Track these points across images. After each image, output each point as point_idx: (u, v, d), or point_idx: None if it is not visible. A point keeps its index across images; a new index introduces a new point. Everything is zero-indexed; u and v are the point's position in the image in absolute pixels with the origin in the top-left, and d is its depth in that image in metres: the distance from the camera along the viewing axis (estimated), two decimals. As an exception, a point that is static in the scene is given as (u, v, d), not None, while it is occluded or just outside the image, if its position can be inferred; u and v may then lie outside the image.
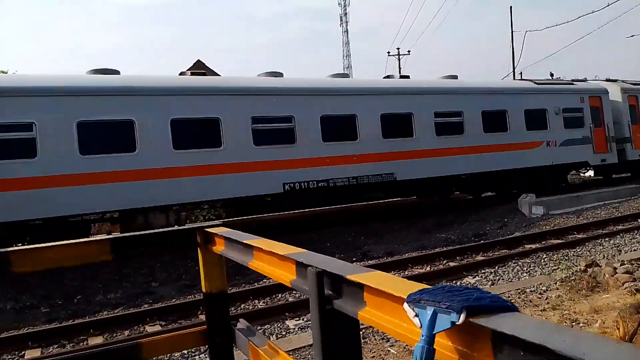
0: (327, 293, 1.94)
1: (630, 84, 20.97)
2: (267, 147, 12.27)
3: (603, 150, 18.76)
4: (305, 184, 12.68)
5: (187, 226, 3.81)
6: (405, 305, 1.37)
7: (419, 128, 14.67)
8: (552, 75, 22.60)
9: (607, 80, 20.91)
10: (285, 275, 2.51)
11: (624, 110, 19.80)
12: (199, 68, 27.38)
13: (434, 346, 1.26)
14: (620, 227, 11.71)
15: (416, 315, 1.32)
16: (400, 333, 1.48)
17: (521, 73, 32.19)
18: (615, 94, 19.75)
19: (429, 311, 1.28)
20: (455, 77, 17.27)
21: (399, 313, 1.45)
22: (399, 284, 1.53)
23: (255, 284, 8.88)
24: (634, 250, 9.45)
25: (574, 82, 19.36)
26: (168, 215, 11.50)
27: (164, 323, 7.13)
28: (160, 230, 3.46)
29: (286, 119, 12.64)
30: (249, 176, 11.98)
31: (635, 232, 11.00)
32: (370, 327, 5.66)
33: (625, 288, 6.62)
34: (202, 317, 7.24)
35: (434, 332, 1.26)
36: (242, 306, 7.71)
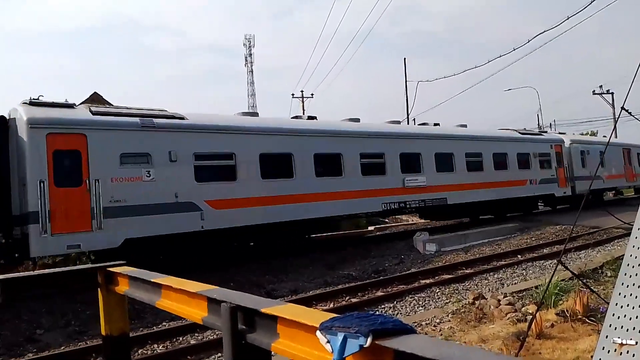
0: (240, 328, 2.00)
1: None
2: None
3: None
4: None
5: (87, 265, 3.64)
6: (318, 332, 1.49)
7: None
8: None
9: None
10: (196, 312, 2.52)
11: None
12: (96, 100, 26.20)
13: (344, 369, 1.39)
14: (502, 262, 12.81)
15: (328, 342, 1.45)
16: (313, 361, 1.59)
17: (414, 119, 34.63)
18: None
19: (340, 337, 1.41)
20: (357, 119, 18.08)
21: (311, 342, 1.56)
22: (311, 314, 1.65)
23: (154, 327, 8.47)
24: (515, 283, 10.38)
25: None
26: None
27: (51, 373, 6.56)
28: (57, 270, 3.28)
29: None
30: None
31: (516, 266, 12.10)
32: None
33: (508, 318, 7.25)
34: (95, 365, 6.78)
35: (344, 356, 1.39)
36: (140, 351, 7.31)
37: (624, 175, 29.75)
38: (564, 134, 27.38)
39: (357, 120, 17.99)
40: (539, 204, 26.19)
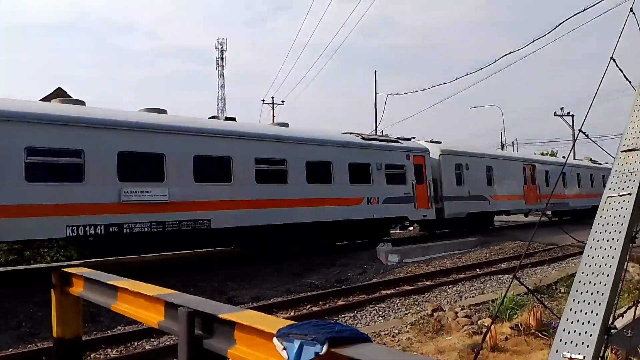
0: (197, 333, 1.98)
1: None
2: None
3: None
4: None
5: (42, 265, 3.52)
6: (275, 339, 1.50)
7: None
8: None
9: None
10: (152, 317, 2.48)
11: None
12: (60, 95, 25.49)
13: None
14: (461, 275, 13.06)
15: (284, 349, 1.45)
16: (269, 368, 1.59)
17: (382, 131, 35.04)
18: None
19: (296, 344, 1.42)
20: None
21: (268, 349, 1.56)
22: (269, 321, 1.65)
23: (109, 331, 8.25)
24: (472, 296, 10.60)
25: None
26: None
27: (-3, 377, 6.29)
28: (10, 268, 3.16)
29: None
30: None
31: (474, 280, 12.36)
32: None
33: (465, 330, 7.39)
34: (44, 368, 6.53)
35: (300, 363, 1.39)
36: (92, 355, 7.10)
37: (522, 195, 24.68)
38: (439, 143, 21.87)
39: (286, 125, 15.85)
40: (405, 224, 21.14)
